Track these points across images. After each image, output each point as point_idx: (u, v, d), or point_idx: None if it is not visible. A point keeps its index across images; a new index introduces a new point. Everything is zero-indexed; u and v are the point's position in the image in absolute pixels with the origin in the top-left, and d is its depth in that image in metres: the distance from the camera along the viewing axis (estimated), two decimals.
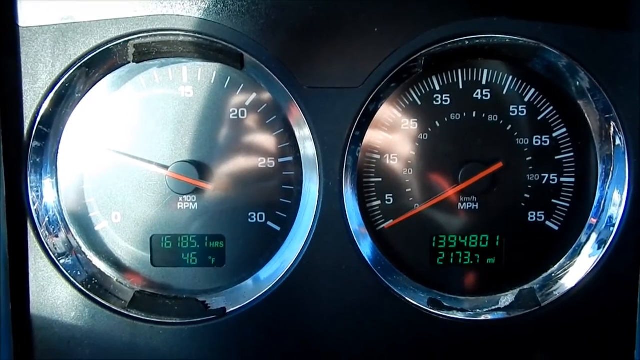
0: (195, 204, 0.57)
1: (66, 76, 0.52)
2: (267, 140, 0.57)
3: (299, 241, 0.55)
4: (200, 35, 0.53)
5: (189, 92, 0.56)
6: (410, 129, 0.57)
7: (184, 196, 0.57)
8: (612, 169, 0.55)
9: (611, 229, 0.54)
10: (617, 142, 0.54)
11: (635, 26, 0.53)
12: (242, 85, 0.56)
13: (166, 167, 0.56)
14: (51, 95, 0.52)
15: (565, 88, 0.55)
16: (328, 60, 0.53)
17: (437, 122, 0.57)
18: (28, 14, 0.51)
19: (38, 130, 0.52)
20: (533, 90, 0.56)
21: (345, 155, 0.53)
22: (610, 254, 0.54)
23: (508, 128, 0.56)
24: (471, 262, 0.58)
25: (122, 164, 0.56)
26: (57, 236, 0.55)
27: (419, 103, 0.55)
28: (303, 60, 0.52)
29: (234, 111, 0.56)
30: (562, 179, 0.57)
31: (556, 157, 0.56)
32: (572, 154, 0.56)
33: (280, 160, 0.57)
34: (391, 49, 0.52)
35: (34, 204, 0.53)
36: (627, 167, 0.53)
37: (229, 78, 0.56)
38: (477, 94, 0.56)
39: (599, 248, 0.54)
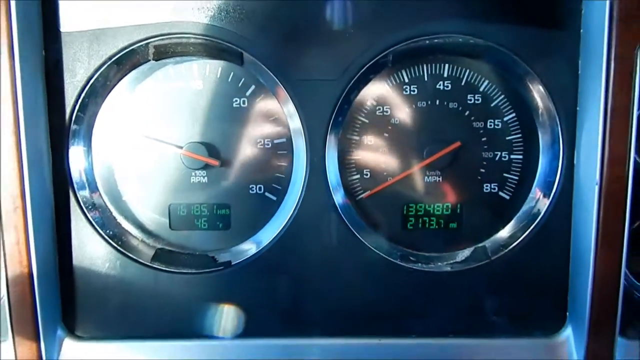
0: (205, 177, 0.67)
1: (99, 72, 0.61)
2: (264, 124, 0.66)
3: (290, 208, 0.64)
4: (207, 38, 0.62)
5: (199, 85, 0.65)
6: (384, 114, 0.66)
7: (196, 171, 0.66)
8: (550, 147, 0.64)
9: (548, 197, 0.64)
10: (554, 125, 0.63)
11: (567, 26, 0.60)
12: (243, 79, 0.65)
13: (181, 147, 0.66)
14: (87, 87, 0.62)
15: (512, 79, 0.64)
16: (312, 57, 0.62)
17: (406, 109, 0.66)
18: (67, 22, 0.61)
19: (77, 116, 0.62)
20: (487, 81, 0.65)
21: (327, 136, 0.63)
22: (547, 217, 0.63)
23: (466, 114, 0.65)
24: (436, 226, 0.67)
25: (145, 144, 0.65)
26: (94, 204, 0.66)
27: (391, 92, 0.65)
28: (292, 57, 0.62)
29: (236, 100, 0.66)
30: (512, 156, 0.66)
31: (507, 138, 0.65)
32: (519, 135, 0.65)
33: (275, 141, 0.66)
34: (364, 47, 0.61)
35: (74, 177, 0.64)
36: (561, 146, 0.62)
37: (232, 73, 0.65)
38: (440, 85, 0.65)
39: (538, 213, 0.64)
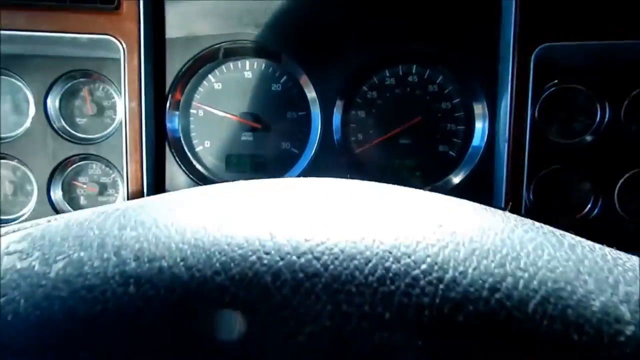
0: (251, 137, 0.96)
1: (187, 64, 0.91)
2: (291, 101, 0.94)
3: (307, 159, 0.91)
4: (257, 43, 0.91)
5: (249, 75, 0.94)
6: (373, 97, 0.95)
7: (245, 132, 0.96)
8: (482, 119, 0.92)
9: (480, 153, 0.90)
10: (483, 103, 0.91)
11: (489, 21, 0.83)
12: (279, 72, 0.94)
13: (236, 115, 0.95)
14: (179, 74, 0.91)
15: (457, 73, 0.92)
16: (328, 55, 0.90)
17: (387, 94, 0.94)
18: (169, 32, 0.91)
19: (172, 92, 0.92)
20: (441, 76, 0.94)
21: (334, 110, 0.90)
22: (479, 165, 0.87)
23: (427, 98, 0.93)
24: (407, 175, 0.94)
25: (212, 113, 0.91)
26: (182, 153, 0.92)
27: (376, 82, 0.93)
28: (314, 57, 0.87)
29: (273, 86, 0.94)
30: (458, 127, 0.94)
31: (454, 114, 0.93)
32: (463, 112, 0.92)
33: (299, 113, 0.95)
34: (360, 55, 0.90)
35: (168, 132, 0.93)
36: (488, 118, 0.90)
37: (271, 67, 0.95)
38: (410, 78, 0.94)
39: (474, 164, 0.90)
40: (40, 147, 0.88)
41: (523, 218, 0.30)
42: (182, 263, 0.19)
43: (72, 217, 0.24)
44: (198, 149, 0.92)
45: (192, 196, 0.26)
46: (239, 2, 0.86)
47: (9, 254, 0.21)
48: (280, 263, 0.20)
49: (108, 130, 0.89)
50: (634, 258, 0.27)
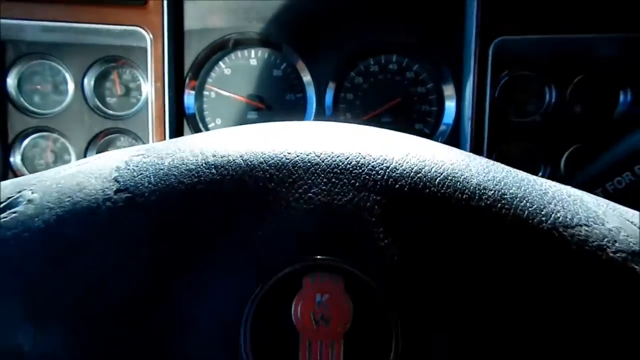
0: (256, 115, 1.11)
1: (203, 53, 1.07)
2: (290, 85, 1.06)
3: None
4: (262, 35, 1.07)
5: (255, 62, 1.09)
6: (359, 82, 1.09)
7: (250, 112, 1.10)
8: (451, 100, 1.07)
9: (448, 130, 1.05)
10: (451, 87, 1.06)
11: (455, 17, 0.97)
12: (280, 59, 1.07)
13: (243, 97, 1.09)
14: (194, 60, 1.07)
15: (429, 63, 1.07)
16: (322, 46, 1.04)
17: (371, 79, 1.09)
18: (187, 24, 1.07)
19: (189, 76, 1.08)
20: (417, 64, 1.09)
21: (326, 91, 1.06)
22: (447, 141, 1.06)
23: (405, 82, 1.07)
24: None
25: (223, 95, 1.02)
26: (197, 128, 1.03)
27: (362, 69, 1.07)
28: (309, 46, 1.03)
29: (275, 71, 1.09)
30: (432, 108, 1.09)
31: (429, 97, 1.08)
32: (435, 95, 1.07)
33: (296, 95, 1.10)
34: (349, 46, 1.05)
35: (185, 112, 1.09)
36: (455, 100, 1.06)
37: (273, 55, 1.09)
38: (391, 66, 1.08)
39: (443, 140, 1.06)
40: (78, 122, 1.03)
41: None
42: (241, 158, 0.34)
43: (166, 141, 0.39)
44: (210, 125, 1.06)
45: (238, 131, 0.41)
46: (245, 1, 1.01)
47: (135, 155, 0.36)
48: (298, 158, 0.34)
49: (134, 109, 1.05)
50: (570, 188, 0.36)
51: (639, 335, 0.29)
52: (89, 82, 1.03)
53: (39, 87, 1.03)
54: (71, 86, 1.03)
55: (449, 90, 1.01)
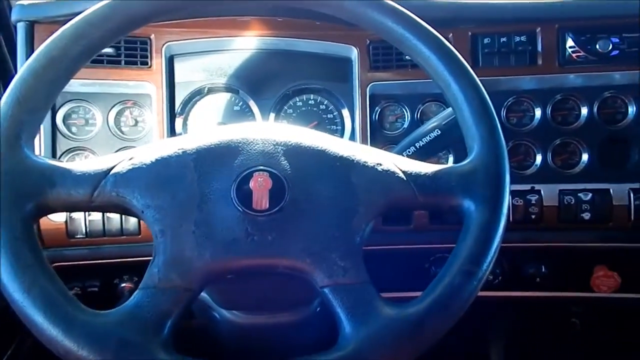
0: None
1: (187, 97, 1.59)
2: (244, 115, 1.47)
3: None
4: (226, 84, 1.61)
5: (222, 102, 1.61)
6: (290, 112, 1.60)
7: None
8: (351, 123, 1.63)
9: None
10: (349, 115, 1.62)
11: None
12: (238, 99, 1.53)
13: (215, 124, 1.61)
14: (182, 103, 1.59)
15: (335, 96, 1.63)
16: (265, 89, 1.48)
17: (298, 110, 1.60)
18: (177, 78, 1.61)
19: (179, 114, 1.60)
20: (326, 100, 1.65)
21: (268, 119, 1.60)
22: None
23: (319, 111, 1.54)
24: None
25: (200, 123, 1.44)
26: None
27: (292, 104, 1.53)
28: (257, 90, 1.40)
29: (235, 107, 1.56)
30: (337, 127, 1.60)
31: (335, 120, 1.63)
32: (339, 119, 1.65)
33: (245, 121, 1.63)
34: (282, 89, 1.61)
35: (176, 133, 1.60)
36: (351, 124, 1.62)
37: (234, 97, 1.52)
38: (311, 101, 1.62)
39: None
40: (104, 144, 1.55)
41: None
42: (231, 140, 0.81)
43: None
44: None
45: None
46: (215, 62, 1.53)
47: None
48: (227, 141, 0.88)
49: (141, 134, 1.57)
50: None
51: None
52: (111, 117, 1.55)
53: (76, 121, 1.55)
54: (99, 120, 1.55)
55: (347, 115, 1.45)
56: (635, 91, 1.15)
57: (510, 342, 1.65)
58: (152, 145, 0.73)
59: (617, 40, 1.16)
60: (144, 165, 0.66)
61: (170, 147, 0.69)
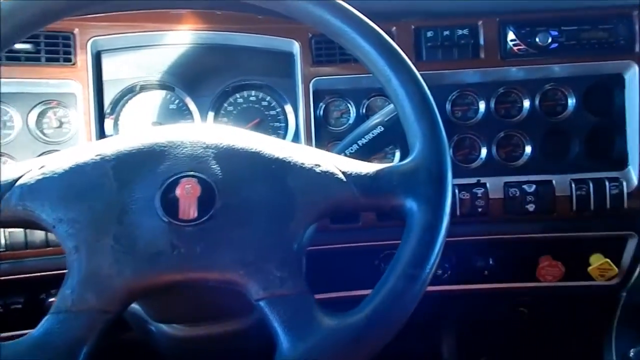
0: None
1: (117, 95, 1.49)
2: (182, 114, 1.40)
3: None
4: (160, 81, 1.51)
5: (157, 100, 1.51)
6: (230, 110, 1.54)
7: None
8: (295, 119, 1.57)
9: (291, 140, 1.56)
10: (292, 111, 1.58)
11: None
12: (174, 97, 1.46)
13: (149, 124, 1.52)
14: (112, 102, 1.49)
15: (277, 93, 1.58)
16: (203, 86, 1.43)
17: (239, 107, 1.54)
18: (105, 76, 1.49)
19: (108, 114, 1.49)
20: (269, 97, 1.58)
21: (207, 120, 1.47)
22: None
23: (261, 108, 1.56)
24: None
25: (132, 123, 1.49)
26: None
27: (232, 101, 1.52)
28: (194, 87, 1.37)
29: (171, 105, 1.51)
30: (280, 124, 1.53)
31: (278, 117, 1.57)
32: (282, 116, 1.58)
33: (187, 121, 1.53)
34: (221, 86, 1.53)
35: (106, 135, 1.49)
36: (295, 120, 1.57)
37: (170, 94, 1.46)
38: (252, 98, 1.52)
39: None
40: (24, 148, 1.42)
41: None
42: (156, 144, 0.75)
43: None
44: None
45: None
46: (147, 58, 1.44)
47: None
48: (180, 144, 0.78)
49: (67, 137, 1.44)
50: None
51: None
52: (31, 119, 1.42)
53: None
54: (17, 122, 1.41)
55: (290, 112, 1.41)
56: (574, 83, 1.16)
57: (460, 333, 1.59)
58: (66, 151, 0.65)
59: (556, 33, 1.16)
60: (56, 175, 0.58)
61: (87, 153, 0.61)
